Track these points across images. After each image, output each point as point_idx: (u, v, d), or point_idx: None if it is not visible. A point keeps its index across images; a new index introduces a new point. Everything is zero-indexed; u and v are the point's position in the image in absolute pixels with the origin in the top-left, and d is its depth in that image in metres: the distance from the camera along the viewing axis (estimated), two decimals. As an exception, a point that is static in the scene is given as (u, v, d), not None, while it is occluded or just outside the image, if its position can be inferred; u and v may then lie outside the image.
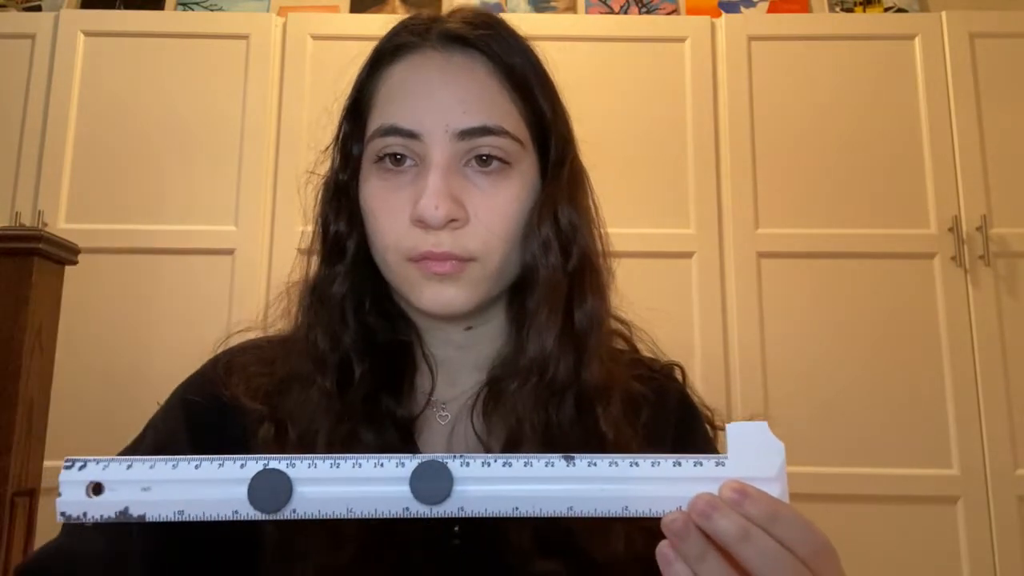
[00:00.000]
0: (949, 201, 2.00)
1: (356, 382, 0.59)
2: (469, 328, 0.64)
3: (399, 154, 0.58)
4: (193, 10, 2.48)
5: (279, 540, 0.55)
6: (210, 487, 0.41)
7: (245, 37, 2.11)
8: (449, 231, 0.56)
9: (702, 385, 1.91)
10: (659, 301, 2.01)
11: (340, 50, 2.08)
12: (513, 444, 0.57)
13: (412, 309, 0.63)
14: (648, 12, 2.50)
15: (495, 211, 0.57)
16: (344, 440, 0.57)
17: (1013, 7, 2.16)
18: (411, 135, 0.57)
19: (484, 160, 0.58)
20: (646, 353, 0.72)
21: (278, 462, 0.42)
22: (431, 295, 0.57)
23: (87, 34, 2.11)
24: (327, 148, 0.66)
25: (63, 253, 1.33)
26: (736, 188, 2.04)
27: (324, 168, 0.66)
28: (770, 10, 2.48)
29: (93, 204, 2.02)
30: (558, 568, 0.55)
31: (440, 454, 0.43)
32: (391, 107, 0.59)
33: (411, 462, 0.42)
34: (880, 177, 2.03)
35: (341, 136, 0.64)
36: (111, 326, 1.98)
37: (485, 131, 0.57)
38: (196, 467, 0.42)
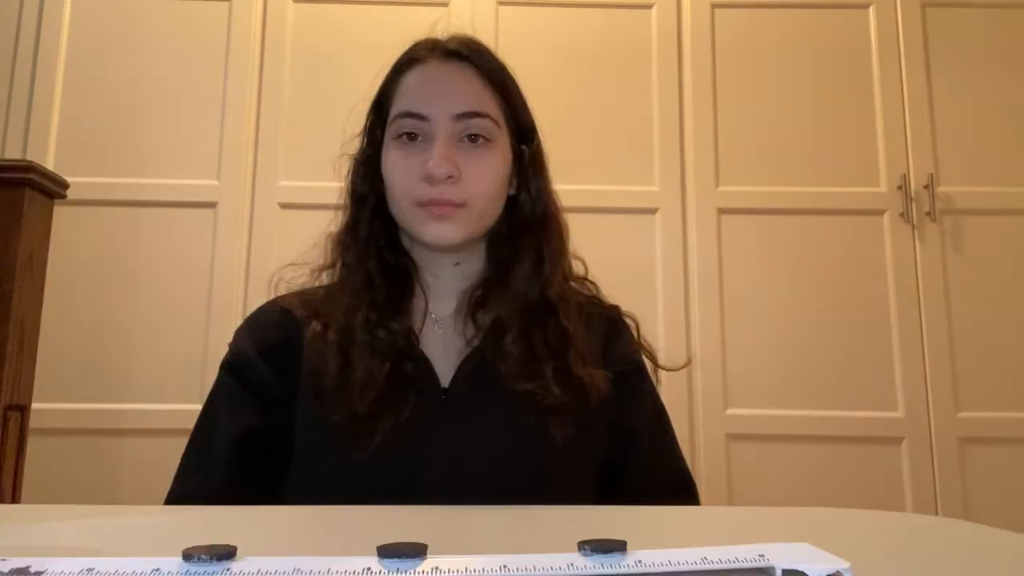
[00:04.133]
0: (898, 161, 2.12)
1: (375, 289, 0.82)
2: (457, 264, 0.85)
3: (413, 132, 0.80)
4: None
5: (315, 406, 0.75)
6: None
7: (228, -1, 2.18)
8: (448, 184, 0.77)
9: (664, 334, 2.03)
10: (625, 254, 2.12)
11: (320, 11, 2.16)
12: (499, 330, 0.79)
13: (416, 245, 0.85)
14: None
15: (480, 172, 0.79)
16: (373, 326, 0.78)
17: (963, -20, 2.28)
18: (422, 118, 0.80)
19: (473, 138, 0.80)
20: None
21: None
22: (433, 230, 0.79)
23: (74, -6, 2.17)
24: (358, 134, 0.88)
25: (53, 185, 1.40)
26: (698, 148, 2.14)
27: (353, 149, 0.89)
28: (736, -17, 2.57)
29: (79, 157, 2.09)
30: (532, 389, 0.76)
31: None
32: (408, 99, 0.82)
33: None
34: (834, 138, 2.14)
35: (368, 124, 0.87)
36: (94, 277, 2.05)
37: (475, 114, 0.80)
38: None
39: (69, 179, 1.69)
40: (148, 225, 2.08)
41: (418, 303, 0.84)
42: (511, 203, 0.85)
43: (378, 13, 2.17)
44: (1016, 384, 2.02)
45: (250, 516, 0.52)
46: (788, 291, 2.08)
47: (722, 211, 2.12)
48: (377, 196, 0.84)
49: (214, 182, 2.10)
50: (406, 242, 0.86)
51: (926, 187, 2.08)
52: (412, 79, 0.83)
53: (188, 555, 0.35)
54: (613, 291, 0.92)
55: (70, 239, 2.01)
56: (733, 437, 2.00)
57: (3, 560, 0.35)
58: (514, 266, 0.83)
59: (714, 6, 2.21)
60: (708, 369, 2.04)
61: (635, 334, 0.90)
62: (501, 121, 0.82)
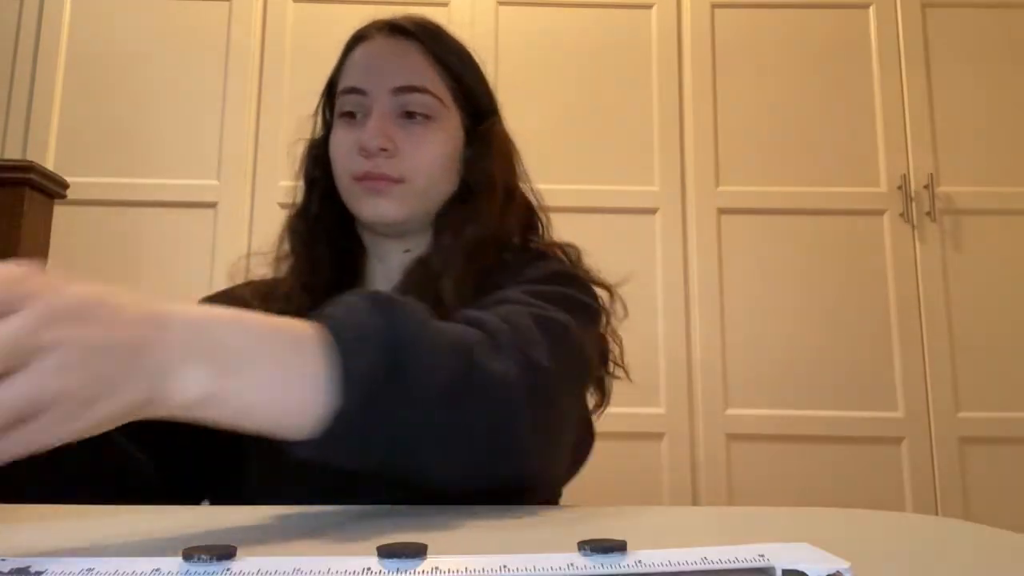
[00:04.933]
0: (898, 161, 2.12)
1: (317, 278, 0.80)
2: (407, 251, 0.82)
3: (353, 110, 0.78)
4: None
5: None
6: None
7: (228, -1, 2.19)
8: (384, 158, 0.76)
9: (664, 334, 2.02)
10: (624, 254, 2.12)
11: (320, 11, 2.16)
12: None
13: (366, 231, 0.82)
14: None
15: (417, 148, 0.77)
16: (307, 316, 0.73)
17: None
18: (361, 92, 0.78)
19: (410, 115, 0.78)
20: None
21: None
22: (370, 206, 0.77)
23: (74, -6, 2.17)
24: (313, 115, 0.87)
25: (53, 186, 1.40)
26: (698, 148, 2.14)
27: (307, 134, 0.88)
28: (736, -17, 2.57)
29: (79, 157, 2.09)
30: None
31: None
32: (350, 75, 0.81)
33: None
34: (834, 138, 2.14)
35: (320, 107, 0.86)
36: (94, 277, 2.04)
37: (412, 89, 0.78)
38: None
39: (69, 179, 1.70)
40: (148, 225, 2.08)
41: (363, 288, 0.82)
42: (465, 185, 0.81)
43: (378, 13, 2.17)
44: (1016, 384, 2.02)
45: (250, 516, 0.51)
46: (788, 291, 2.08)
47: (722, 211, 2.12)
48: (327, 178, 0.82)
49: (214, 182, 2.10)
50: (358, 227, 0.83)
51: (926, 187, 2.08)
52: (356, 56, 0.81)
53: (188, 555, 0.35)
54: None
55: (70, 239, 2.01)
56: (733, 437, 2.00)
57: (3, 560, 0.35)
58: (438, 242, 0.79)
59: (714, 6, 2.21)
60: (708, 369, 2.04)
61: (567, 261, 0.82)
62: (447, 99, 0.80)
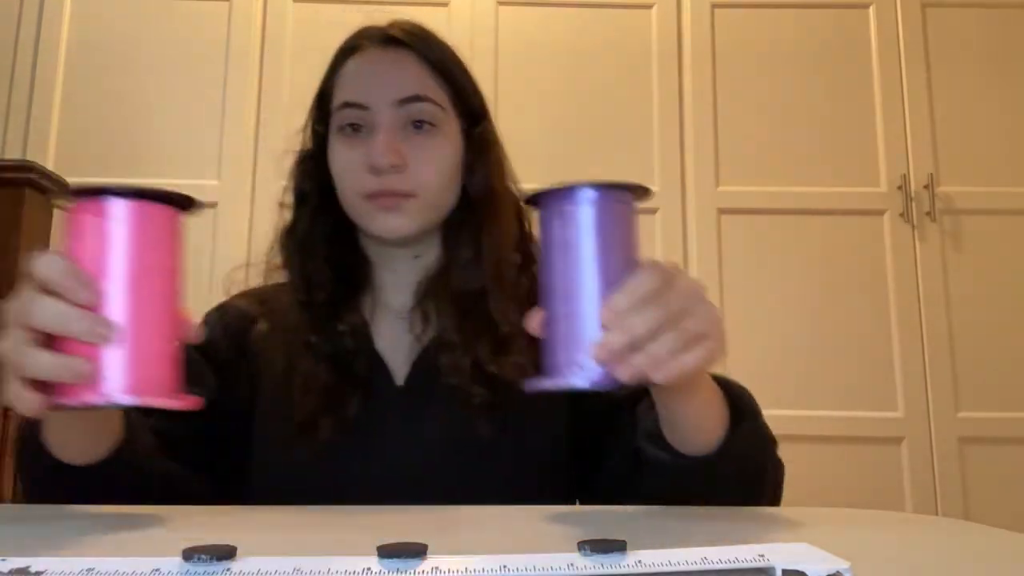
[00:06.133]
0: (898, 161, 2.12)
1: (316, 291, 0.79)
2: (417, 256, 0.82)
3: (355, 124, 0.77)
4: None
5: (271, 401, 0.76)
6: None
7: (228, -1, 2.19)
8: (394, 174, 0.75)
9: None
10: (624, 254, 2.11)
11: (320, 11, 2.16)
12: (441, 321, 0.78)
13: (368, 240, 0.82)
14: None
15: (427, 161, 0.77)
16: (314, 330, 0.77)
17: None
18: (363, 107, 0.77)
19: (418, 125, 0.77)
20: None
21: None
22: (382, 223, 0.77)
23: (74, -6, 2.17)
24: (302, 128, 0.85)
25: (53, 186, 1.40)
26: (698, 148, 2.14)
27: (296, 145, 0.86)
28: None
29: (79, 157, 2.08)
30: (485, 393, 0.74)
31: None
32: (347, 88, 0.79)
33: None
34: (834, 138, 2.14)
35: (311, 119, 0.84)
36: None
37: (417, 98, 0.77)
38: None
39: (69, 179, 1.70)
40: (148, 225, 2.08)
41: (373, 298, 0.82)
42: (464, 189, 0.82)
43: (378, 14, 2.17)
44: (1016, 384, 2.02)
45: (250, 516, 0.52)
46: (788, 291, 2.08)
47: (722, 211, 2.12)
48: (321, 193, 0.81)
49: (214, 182, 2.10)
50: (362, 239, 0.83)
51: (926, 187, 2.08)
52: (351, 68, 0.80)
53: (188, 555, 0.35)
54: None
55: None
56: (733, 437, 2.00)
57: (3, 560, 0.35)
58: (456, 254, 0.80)
59: (714, 6, 2.21)
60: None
61: None
62: (447, 105, 0.79)
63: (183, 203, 0.51)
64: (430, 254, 0.83)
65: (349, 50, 0.81)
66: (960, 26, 2.18)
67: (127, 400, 0.47)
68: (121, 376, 0.47)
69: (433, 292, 0.80)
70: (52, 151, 2.08)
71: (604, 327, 0.49)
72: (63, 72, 2.13)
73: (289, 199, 0.85)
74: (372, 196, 0.75)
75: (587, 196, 0.52)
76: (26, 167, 1.29)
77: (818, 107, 2.16)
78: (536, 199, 0.54)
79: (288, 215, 0.84)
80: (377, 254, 0.83)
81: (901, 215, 2.08)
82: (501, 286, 0.79)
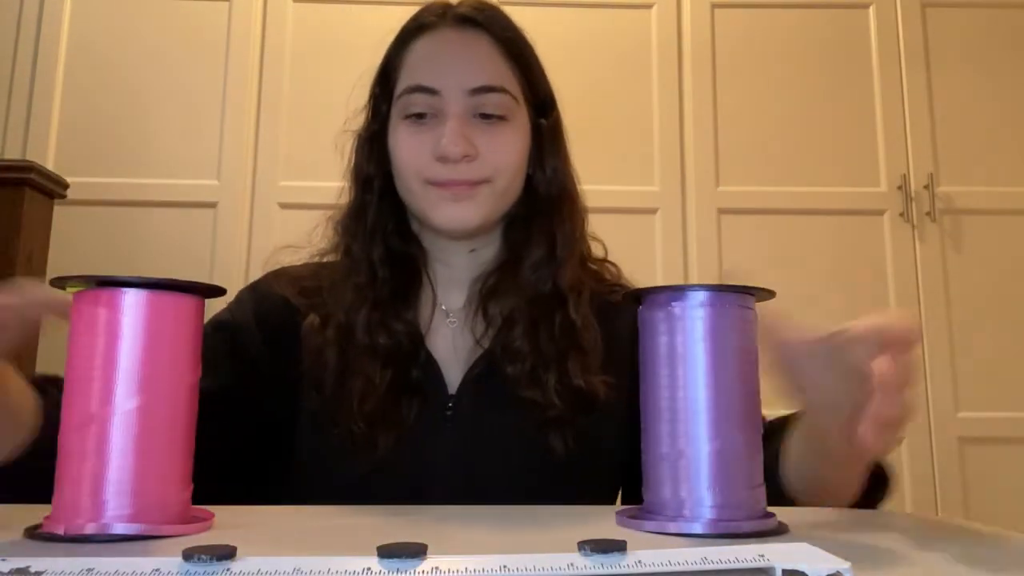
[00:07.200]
0: (898, 161, 2.12)
1: (380, 284, 0.74)
2: (473, 251, 0.78)
3: (422, 112, 0.73)
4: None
5: (318, 411, 0.71)
6: None
7: (228, -1, 2.19)
8: (465, 163, 0.71)
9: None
10: (624, 254, 2.11)
11: (320, 11, 2.16)
12: (508, 325, 0.73)
13: (426, 232, 0.78)
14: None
15: (498, 149, 0.73)
16: (375, 327, 0.72)
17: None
18: (432, 92, 0.72)
19: (486, 117, 0.73)
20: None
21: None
22: (446, 213, 0.72)
23: (74, -7, 2.17)
24: (362, 109, 0.80)
25: (53, 185, 1.40)
26: (698, 148, 2.14)
27: (357, 125, 0.81)
28: (736, -17, 2.57)
29: (79, 157, 2.08)
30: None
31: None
32: (417, 71, 0.74)
33: None
34: (834, 138, 2.14)
35: (373, 98, 0.79)
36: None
37: (489, 89, 0.73)
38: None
39: (69, 179, 1.70)
40: (148, 225, 2.08)
41: (427, 295, 0.77)
42: (527, 183, 0.77)
43: (378, 13, 2.17)
44: (1016, 384, 2.02)
45: (250, 516, 0.51)
46: (788, 291, 2.05)
47: (722, 211, 2.12)
48: (384, 177, 0.76)
49: (214, 182, 2.10)
50: (415, 227, 0.79)
51: (926, 187, 2.08)
52: (420, 48, 0.75)
53: (188, 555, 0.35)
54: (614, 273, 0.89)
55: (70, 239, 2.01)
56: (733, 437, 2.00)
57: (3, 560, 0.35)
58: (526, 252, 0.75)
59: (714, 6, 2.21)
60: (708, 369, 2.03)
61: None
62: (519, 95, 0.75)
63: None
64: (488, 250, 0.78)
65: (419, 28, 0.76)
66: (960, 26, 2.19)
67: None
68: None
69: (496, 292, 0.75)
70: (52, 151, 2.08)
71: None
72: (63, 72, 2.13)
73: (348, 180, 0.80)
74: (439, 184, 0.72)
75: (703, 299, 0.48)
76: (26, 167, 1.29)
77: (818, 107, 2.16)
78: (639, 296, 0.50)
79: (349, 199, 0.79)
80: (433, 244, 0.78)
81: (901, 215, 2.08)
82: (580, 291, 0.75)
